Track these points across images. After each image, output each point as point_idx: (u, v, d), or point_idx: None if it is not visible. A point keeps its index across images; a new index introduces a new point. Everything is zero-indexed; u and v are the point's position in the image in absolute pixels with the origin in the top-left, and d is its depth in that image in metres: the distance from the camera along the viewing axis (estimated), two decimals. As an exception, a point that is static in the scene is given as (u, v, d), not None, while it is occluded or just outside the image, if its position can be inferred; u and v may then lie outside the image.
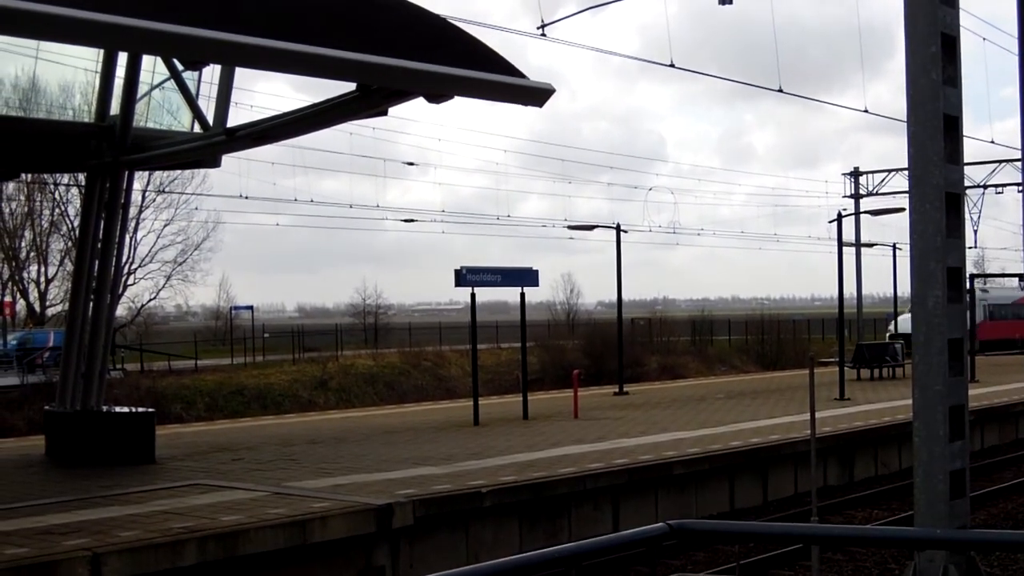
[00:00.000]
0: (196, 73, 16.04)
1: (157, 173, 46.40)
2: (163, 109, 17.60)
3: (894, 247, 40.33)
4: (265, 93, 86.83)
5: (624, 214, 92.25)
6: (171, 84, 16.87)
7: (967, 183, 41.22)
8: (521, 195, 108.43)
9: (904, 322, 45.00)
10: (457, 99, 12.73)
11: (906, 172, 8.09)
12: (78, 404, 16.71)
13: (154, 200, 52.76)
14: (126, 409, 18.17)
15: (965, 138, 8.00)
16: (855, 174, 62.77)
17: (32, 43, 15.13)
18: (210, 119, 16.48)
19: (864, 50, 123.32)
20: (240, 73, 17.16)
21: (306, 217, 55.20)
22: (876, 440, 20.18)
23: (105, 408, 16.99)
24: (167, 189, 52.41)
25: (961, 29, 7.96)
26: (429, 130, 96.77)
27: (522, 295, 22.72)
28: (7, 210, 51.12)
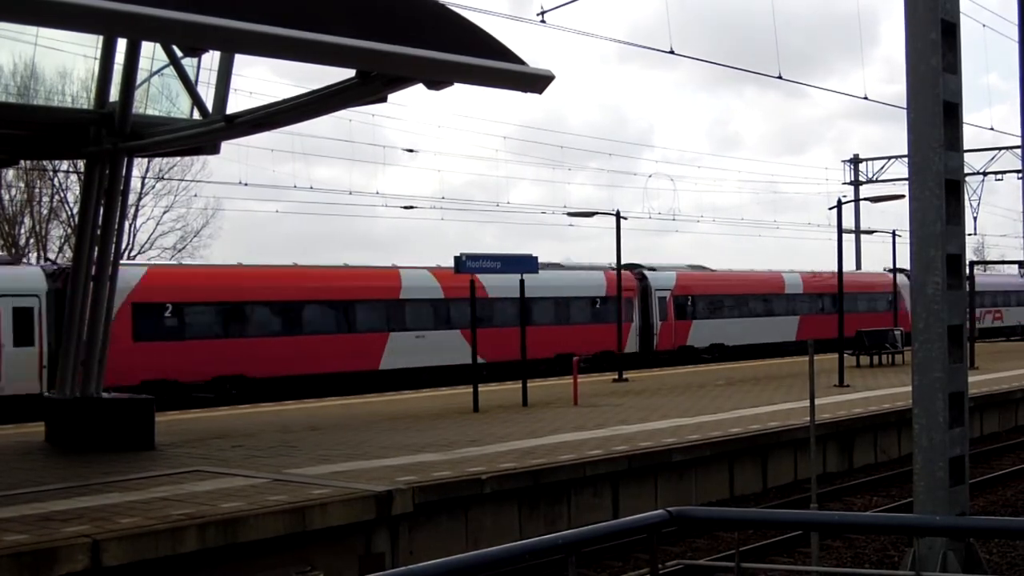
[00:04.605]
0: (195, 60, 16.00)
1: (156, 160, 46.38)
2: (162, 96, 17.55)
3: (894, 234, 40.32)
4: (251, 78, 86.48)
5: (617, 201, 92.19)
6: (170, 71, 16.82)
7: (966, 170, 41.16)
8: (516, 182, 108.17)
9: None
10: (455, 86, 12.71)
11: (906, 159, 8.08)
12: (77, 391, 16.72)
13: (153, 187, 52.69)
14: (125, 396, 18.16)
15: (964, 124, 8.00)
16: (855, 161, 62.83)
17: (31, 30, 15.08)
18: (209, 106, 16.44)
19: (848, 38, 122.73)
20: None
21: (304, 204, 55.27)
22: (875, 427, 20.20)
23: (105, 394, 16.99)
24: (166, 176, 52.34)
25: (961, 16, 7.95)
26: (427, 116, 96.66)
27: (522, 281, 22.78)
28: (6, 197, 51.05)
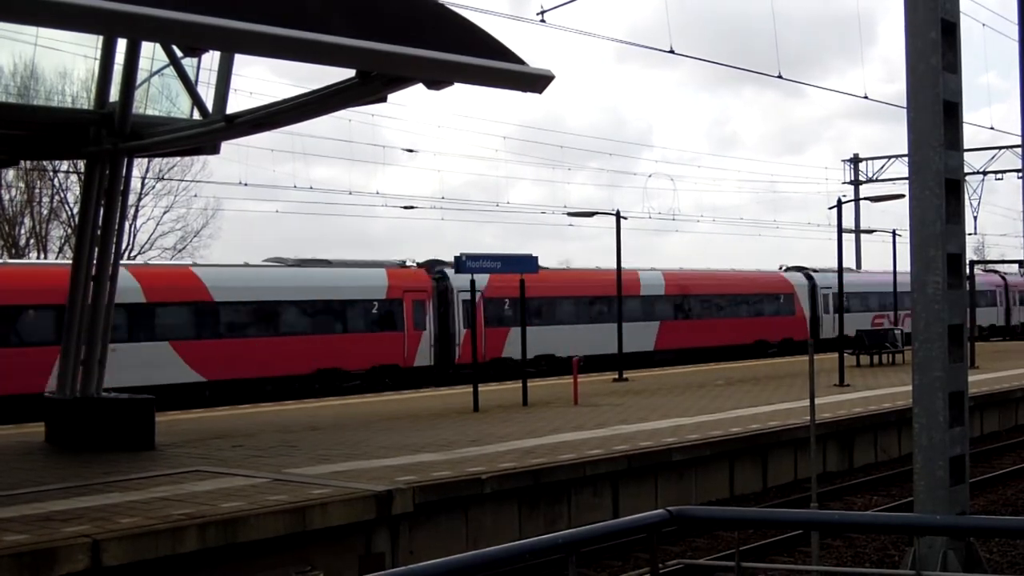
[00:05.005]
0: (195, 60, 16.00)
1: (156, 160, 46.38)
2: (162, 96, 17.56)
3: (894, 233, 40.34)
4: (251, 78, 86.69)
5: (617, 201, 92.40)
6: (170, 71, 16.82)
7: (966, 169, 41.23)
8: (516, 182, 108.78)
9: None
10: (455, 85, 12.72)
11: (906, 158, 8.08)
12: (78, 391, 16.72)
13: (153, 187, 52.69)
14: (125, 396, 18.15)
15: (964, 123, 8.00)
16: (855, 160, 62.90)
17: (31, 29, 15.08)
18: (209, 106, 16.44)
19: (844, 38, 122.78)
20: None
21: (304, 204, 55.35)
22: (876, 426, 20.20)
23: (105, 394, 16.99)
24: (166, 176, 52.34)
25: (961, 15, 7.95)
26: (426, 116, 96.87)
27: (522, 282, 22.80)
28: (7, 197, 51.06)
